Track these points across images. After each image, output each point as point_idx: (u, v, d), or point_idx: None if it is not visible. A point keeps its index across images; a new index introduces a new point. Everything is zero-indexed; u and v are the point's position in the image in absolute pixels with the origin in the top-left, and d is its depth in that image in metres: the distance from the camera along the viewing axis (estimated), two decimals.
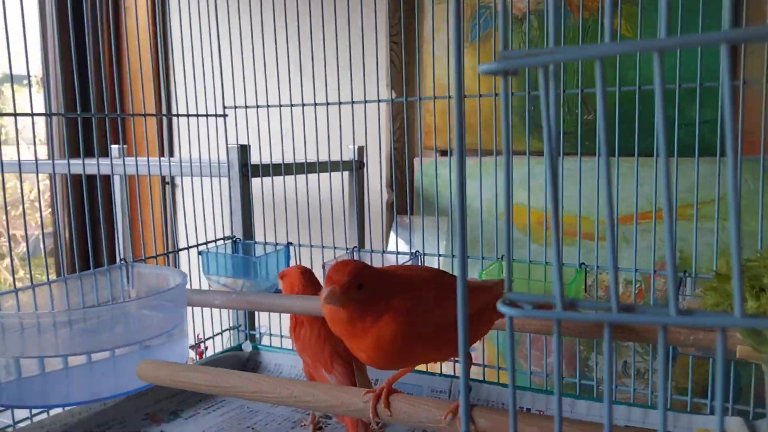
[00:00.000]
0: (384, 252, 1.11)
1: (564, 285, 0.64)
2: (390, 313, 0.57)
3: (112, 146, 1.40)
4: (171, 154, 1.89)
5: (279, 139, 1.19)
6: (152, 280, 0.97)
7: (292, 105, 1.17)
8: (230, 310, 1.24)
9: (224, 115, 1.23)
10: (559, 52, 0.30)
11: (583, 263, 1.01)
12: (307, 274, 0.93)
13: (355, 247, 1.12)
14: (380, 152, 1.21)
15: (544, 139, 0.31)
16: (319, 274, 1.03)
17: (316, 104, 1.16)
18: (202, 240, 1.20)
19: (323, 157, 1.20)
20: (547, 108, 0.31)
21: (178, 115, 1.17)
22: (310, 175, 1.23)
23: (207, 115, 1.19)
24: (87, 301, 0.94)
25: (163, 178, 2.04)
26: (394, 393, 0.63)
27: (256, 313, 1.26)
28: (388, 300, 0.58)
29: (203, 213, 1.22)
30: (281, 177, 1.26)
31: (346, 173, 1.54)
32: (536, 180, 1.48)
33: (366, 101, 1.16)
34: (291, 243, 1.17)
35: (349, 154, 1.51)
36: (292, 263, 1.16)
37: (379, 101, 1.16)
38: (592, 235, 1.27)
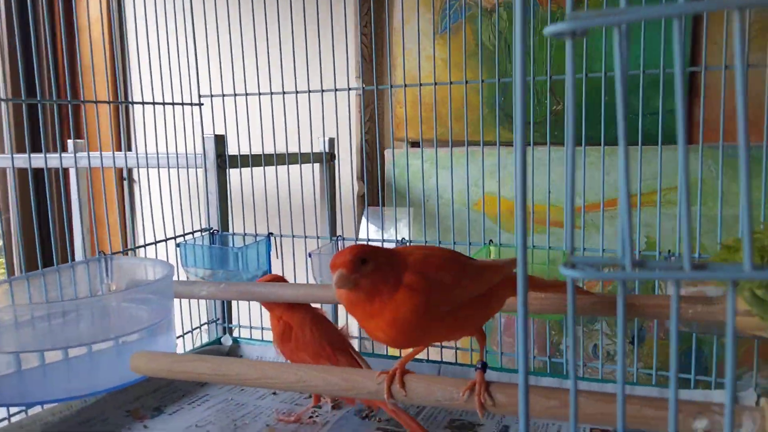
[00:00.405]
0: (368, 240, 1.10)
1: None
2: (405, 289, 0.57)
3: (75, 140, 1.35)
4: (129, 148, 1.83)
5: (248, 130, 1.17)
6: (134, 273, 0.94)
7: (260, 93, 1.15)
8: (206, 304, 1.21)
9: (200, 104, 1.19)
10: (631, 12, 0.31)
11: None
12: (281, 279, 0.92)
13: (340, 235, 1.11)
14: (351, 144, 1.20)
15: (618, 104, 0.31)
16: (304, 265, 1.02)
17: (284, 93, 1.14)
18: (171, 234, 1.17)
19: (295, 150, 1.18)
20: (622, 72, 0.31)
21: (152, 103, 1.13)
22: (282, 168, 1.21)
23: (183, 104, 1.15)
24: (65, 295, 0.90)
25: (120, 171, 1.98)
26: (408, 373, 0.63)
27: (234, 306, 1.23)
28: (401, 276, 0.58)
29: (171, 205, 1.19)
30: (251, 169, 1.24)
31: (317, 165, 1.53)
32: (507, 170, 1.50)
33: (336, 89, 1.14)
34: (272, 233, 1.15)
35: (320, 146, 1.49)
36: (273, 255, 1.15)
37: (349, 89, 1.15)
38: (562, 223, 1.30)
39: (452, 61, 1.51)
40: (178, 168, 1.19)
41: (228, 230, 1.20)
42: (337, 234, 1.41)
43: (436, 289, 0.57)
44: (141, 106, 1.12)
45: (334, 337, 0.90)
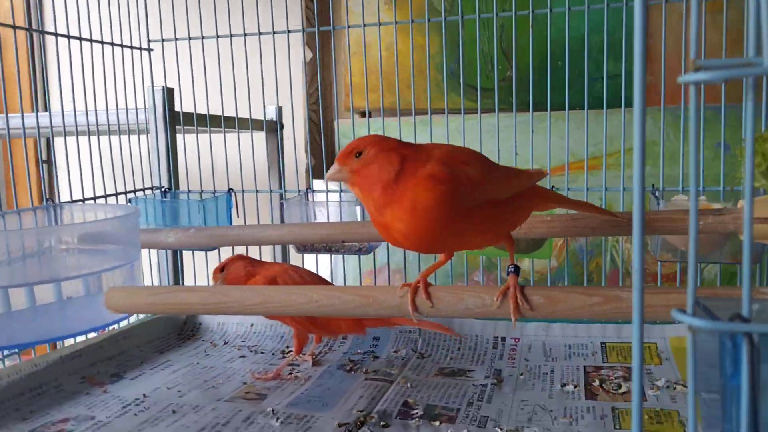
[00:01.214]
0: (341, 191, 1.05)
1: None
2: (427, 178, 0.53)
3: None
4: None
5: (192, 85, 1.09)
6: (88, 225, 0.84)
7: (218, 36, 1.08)
8: (158, 267, 1.12)
9: (149, 50, 1.10)
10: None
11: None
12: (247, 258, 0.85)
13: (309, 188, 1.05)
14: (293, 113, 1.14)
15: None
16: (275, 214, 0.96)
17: (219, 37, 1.07)
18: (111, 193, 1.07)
19: (242, 116, 1.12)
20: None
21: (87, 40, 1.02)
22: (230, 136, 1.14)
23: (132, 47, 1.06)
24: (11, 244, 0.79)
25: (39, 155, 1.82)
26: (430, 286, 0.58)
27: (188, 268, 1.14)
28: (419, 167, 0.54)
29: (112, 164, 1.08)
30: (197, 132, 1.15)
31: (263, 135, 1.45)
32: (460, 137, 1.48)
33: (275, 32, 1.08)
34: (232, 189, 1.07)
35: (268, 115, 1.42)
36: (234, 212, 1.07)
37: (288, 32, 1.08)
38: None
39: (405, 26, 1.49)
40: (118, 126, 1.08)
41: (179, 189, 1.11)
42: (280, 210, 1.35)
43: (462, 182, 0.53)
44: (66, 40, 0.99)
45: (316, 278, 0.84)
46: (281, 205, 0.97)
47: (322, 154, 1.51)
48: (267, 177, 1.35)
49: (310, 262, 1.38)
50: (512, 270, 0.57)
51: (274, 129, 1.43)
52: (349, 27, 1.13)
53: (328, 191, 1.06)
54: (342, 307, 0.58)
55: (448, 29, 1.46)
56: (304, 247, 0.98)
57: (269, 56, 1.08)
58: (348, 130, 1.52)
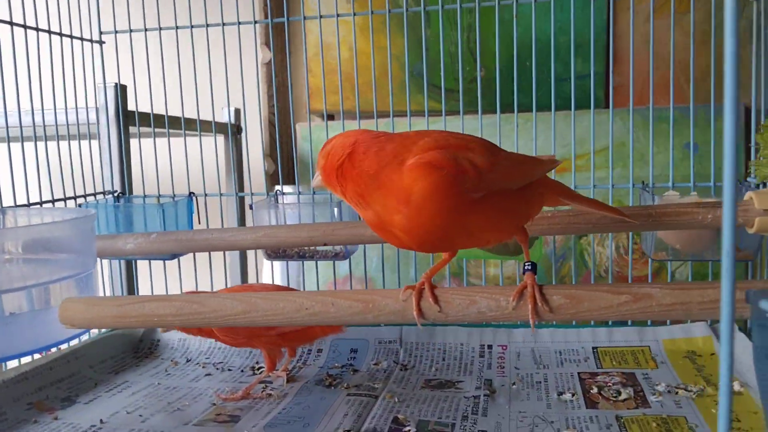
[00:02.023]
0: (314, 193, 0.98)
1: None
2: (416, 165, 0.48)
3: None
4: None
5: (149, 82, 1.00)
6: (36, 228, 0.75)
7: (177, 27, 1.00)
8: (110, 278, 1.02)
9: (100, 42, 1.01)
10: None
11: None
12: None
13: (279, 190, 0.98)
14: (259, 116, 1.07)
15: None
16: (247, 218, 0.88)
17: (179, 28, 0.99)
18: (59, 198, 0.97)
19: (198, 118, 1.04)
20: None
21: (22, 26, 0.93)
22: (185, 140, 1.06)
23: (82, 39, 0.97)
24: None
25: None
26: (436, 288, 0.52)
27: (144, 279, 1.05)
28: (405, 154, 0.49)
29: (60, 167, 0.98)
30: (152, 133, 1.06)
31: (221, 139, 1.37)
32: None
33: (240, 22, 1.01)
34: (193, 193, 0.99)
35: (225, 118, 1.34)
36: (195, 217, 0.99)
37: (239, 23, 1.02)
38: None
39: (366, 25, 1.43)
40: (69, 125, 0.99)
41: (132, 194, 1.02)
42: (241, 219, 1.27)
43: (466, 170, 0.48)
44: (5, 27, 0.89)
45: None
46: (250, 207, 0.89)
47: (277, 158, 1.43)
48: (225, 181, 1.27)
49: (266, 271, 1.30)
50: (529, 267, 0.51)
51: (232, 132, 1.36)
52: (305, 18, 1.06)
53: (299, 193, 0.99)
54: (337, 314, 0.52)
55: (411, 25, 1.42)
56: (275, 254, 0.90)
57: (234, 54, 1.01)
58: (308, 133, 1.46)
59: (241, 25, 1.02)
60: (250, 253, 1.32)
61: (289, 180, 1.45)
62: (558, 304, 0.49)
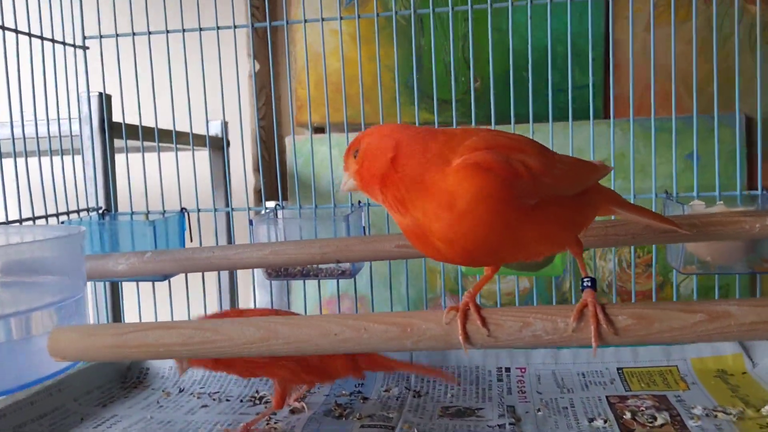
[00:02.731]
0: (316, 206, 0.92)
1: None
2: (462, 165, 0.43)
3: None
4: None
5: (137, 91, 0.94)
6: (16, 249, 0.67)
7: (169, 31, 0.93)
8: (95, 304, 0.95)
9: (84, 47, 0.94)
10: None
11: None
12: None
13: (278, 204, 0.91)
14: (242, 130, 1.00)
15: None
16: (247, 233, 0.82)
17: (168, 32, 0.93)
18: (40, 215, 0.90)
19: (183, 130, 0.98)
20: None
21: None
22: (170, 155, 0.99)
23: (64, 43, 0.89)
24: None
25: None
26: (482, 309, 0.47)
27: (130, 303, 0.97)
28: (450, 154, 0.44)
29: (41, 184, 0.90)
30: (141, 147, 0.99)
31: (205, 153, 1.30)
32: None
33: (238, 26, 0.95)
34: (185, 209, 0.92)
35: (211, 130, 1.28)
36: (187, 234, 0.92)
37: (217, 28, 0.94)
38: None
39: (360, 35, 1.38)
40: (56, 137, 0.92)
41: (117, 211, 0.95)
42: (228, 236, 1.20)
43: (519, 173, 0.42)
44: None
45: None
46: (250, 223, 0.83)
47: (273, 174, 1.37)
48: (213, 196, 1.21)
49: (244, 292, 1.23)
50: (588, 284, 0.46)
51: (219, 146, 1.29)
52: (287, 23, 1.01)
53: (300, 207, 0.93)
54: (370, 340, 0.46)
55: (405, 34, 1.37)
56: (277, 273, 0.84)
57: (224, 63, 0.95)
58: (296, 146, 1.39)
59: (232, 31, 0.97)
60: (240, 273, 1.25)
61: (277, 195, 1.39)
62: (624, 325, 0.43)
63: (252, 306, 1.13)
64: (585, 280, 0.46)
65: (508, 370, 0.85)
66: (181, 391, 0.86)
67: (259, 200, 1.41)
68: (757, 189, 0.88)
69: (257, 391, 0.85)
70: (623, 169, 1.33)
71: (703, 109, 1.27)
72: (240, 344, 0.47)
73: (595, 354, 0.75)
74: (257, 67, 1.39)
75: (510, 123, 1.01)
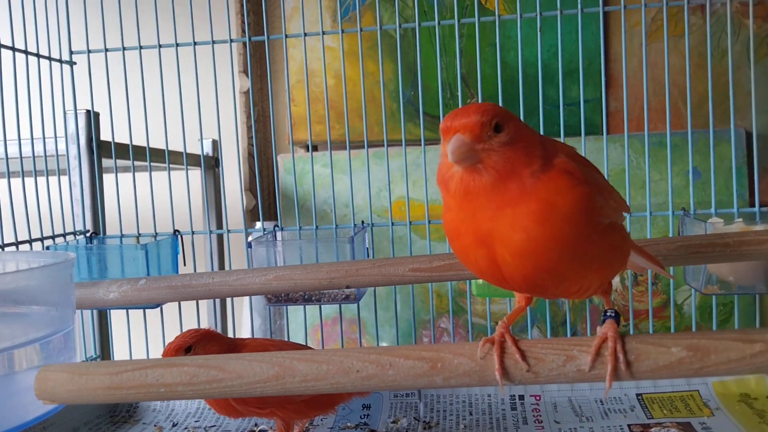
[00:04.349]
0: (317, 227, 0.88)
1: None
2: (561, 172, 0.38)
3: None
4: None
5: (127, 108, 0.89)
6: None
7: (161, 46, 0.89)
8: (82, 334, 0.89)
9: (71, 63, 0.89)
10: None
11: None
12: (219, 335, 0.65)
13: (276, 225, 0.87)
14: (237, 148, 0.97)
15: None
16: (241, 256, 0.77)
17: (177, 45, 0.89)
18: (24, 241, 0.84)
19: (176, 149, 0.94)
20: None
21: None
22: (158, 174, 0.95)
23: (50, 59, 0.85)
24: None
25: None
26: (519, 340, 0.43)
27: (119, 333, 0.92)
28: (551, 158, 0.39)
29: (24, 208, 0.84)
30: (131, 168, 0.94)
31: (197, 172, 1.26)
32: (418, 171, 1.35)
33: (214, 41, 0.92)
34: (178, 231, 0.87)
35: (202, 150, 1.23)
36: (180, 258, 0.87)
37: (212, 42, 0.91)
38: None
39: (352, 50, 1.35)
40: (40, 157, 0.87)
41: (106, 234, 0.90)
42: (220, 262, 1.15)
43: (600, 190, 0.39)
44: None
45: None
46: (249, 246, 0.78)
47: (254, 192, 1.33)
48: (207, 218, 1.16)
49: (237, 316, 1.17)
50: (612, 314, 0.42)
51: (210, 165, 1.25)
52: (286, 37, 0.98)
53: (300, 228, 0.89)
54: (396, 377, 0.41)
55: (402, 51, 1.34)
56: (278, 298, 0.79)
57: (219, 77, 0.91)
58: (291, 165, 1.35)
59: (227, 46, 0.93)
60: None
61: (270, 216, 1.34)
62: (678, 358, 0.40)
63: (249, 332, 1.08)
64: (608, 311, 0.42)
65: (522, 398, 0.81)
66: (174, 425, 0.81)
67: (250, 221, 1.36)
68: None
69: (256, 425, 0.80)
70: (619, 184, 1.31)
71: (701, 124, 1.25)
72: (251, 383, 0.42)
73: (606, 395, 0.72)
74: (245, 87, 1.35)
75: None
